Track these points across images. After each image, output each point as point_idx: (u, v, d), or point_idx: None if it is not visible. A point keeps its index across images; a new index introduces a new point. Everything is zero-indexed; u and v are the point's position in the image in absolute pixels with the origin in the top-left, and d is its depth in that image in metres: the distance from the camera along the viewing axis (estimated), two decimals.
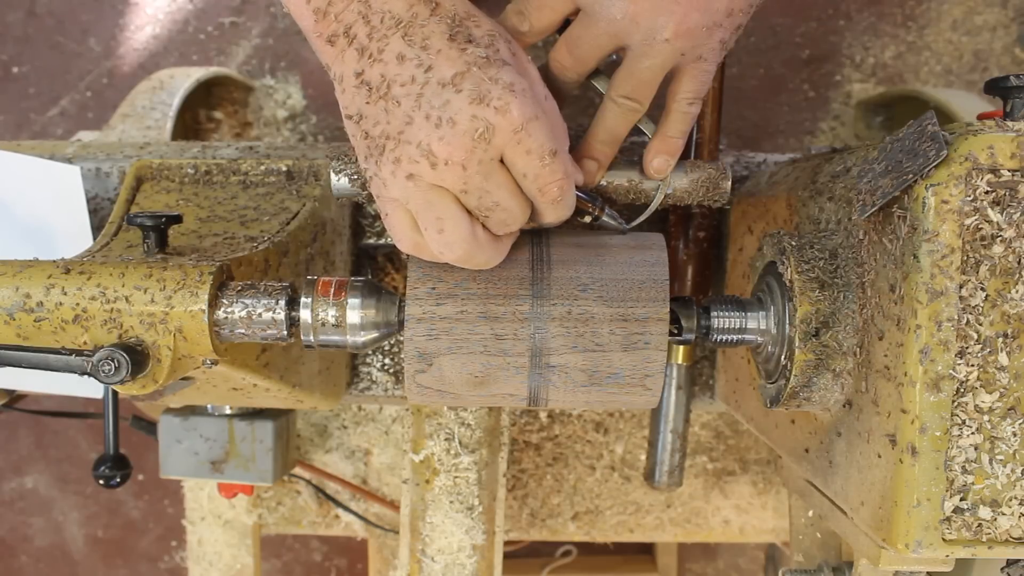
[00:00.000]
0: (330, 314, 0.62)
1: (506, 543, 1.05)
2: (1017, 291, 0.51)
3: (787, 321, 0.62)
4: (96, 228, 0.87)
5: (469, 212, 0.58)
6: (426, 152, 0.55)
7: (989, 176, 0.50)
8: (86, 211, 0.86)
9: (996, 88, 0.56)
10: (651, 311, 0.61)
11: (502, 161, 0.57)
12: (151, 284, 0.59)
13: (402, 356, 0.99)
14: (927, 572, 0.62)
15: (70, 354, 0.57)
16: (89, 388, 0.94)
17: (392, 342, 0.99)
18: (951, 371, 0.51)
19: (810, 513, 0.82)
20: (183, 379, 0.70)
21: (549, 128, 0.57)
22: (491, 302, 0.61)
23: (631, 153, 0.73)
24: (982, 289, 0.51)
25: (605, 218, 0.70)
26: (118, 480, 0.91)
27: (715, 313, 0.66)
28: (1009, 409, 0.52)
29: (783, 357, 0.63)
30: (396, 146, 0.56)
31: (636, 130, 0.70)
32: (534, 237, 0.65)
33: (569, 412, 1.27)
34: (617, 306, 0.61)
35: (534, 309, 0.61)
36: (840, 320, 0.60)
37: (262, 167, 0.85)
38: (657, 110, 0.69)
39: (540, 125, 0.56)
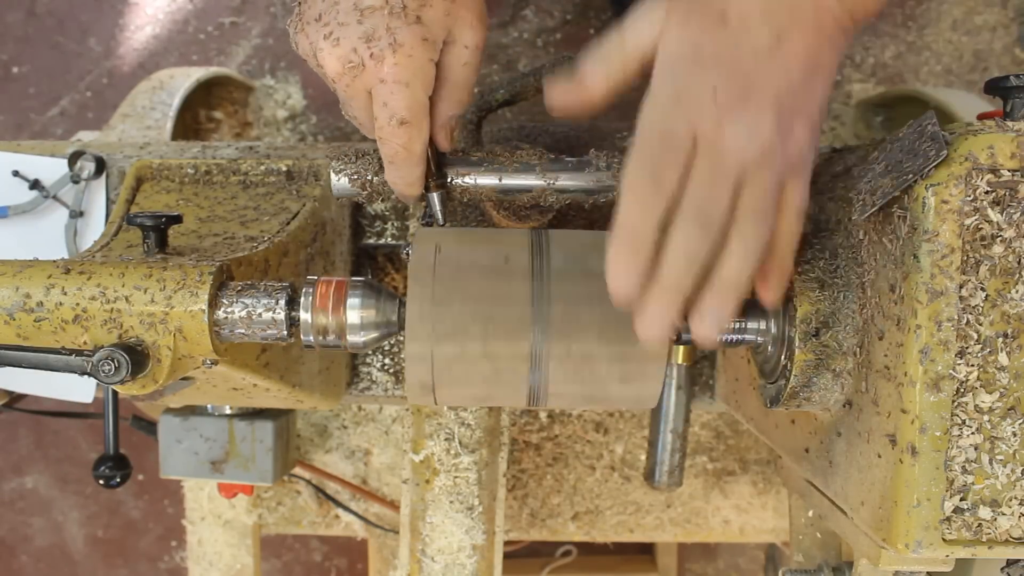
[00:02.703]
0: (330, 314, 0.62)
1: (506, 543, 1.05)
2: (1017, 291, 0.51)
3: (787, 321, 0.62)
4: None
5: None
6: (312, 52, 0.62)
7: (989, 176, 0.50)
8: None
9: (996, 88, 0.56)
10: (650, 350, 0.62)
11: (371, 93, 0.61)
12: (151, 284, 0.59)
13: (402, 360, 0.99)
14: (927, 572, 0.62)
15: (70, 354, 0.57)
16: (80, 392, 0.95)
17: (392, 342, 0.99)
18: (951, 371, 0.51)
19: (810, 513, 0.82)
20: (183, 379, 0.70)
21: (412, 99, 0.60)
22: (491, 342, 0.61)
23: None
24: (982, 289, 0.51)
25: (429, 196, 0.71)
26: (118, 480, 0.91)
27: None
28: (1009, 409, 0.52)
29: (783, 357, 0.63)
30: (300, 29, 0.62)
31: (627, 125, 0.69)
32: (534, 260, 0.64)
33: (569, 412, 1.27)
34: (617, 345, 0.61)
35: (535, 346, 0.61)
36: (840, 320, 0.60)
37: (262, 167, 0.85)
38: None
39: (403, 91, 0.60)
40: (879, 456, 0.55)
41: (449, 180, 0.72)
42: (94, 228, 0.92)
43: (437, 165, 0.70)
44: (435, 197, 0.71)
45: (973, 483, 0.52)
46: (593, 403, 0.64)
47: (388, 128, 0.62)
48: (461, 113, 0.68)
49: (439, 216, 0.72)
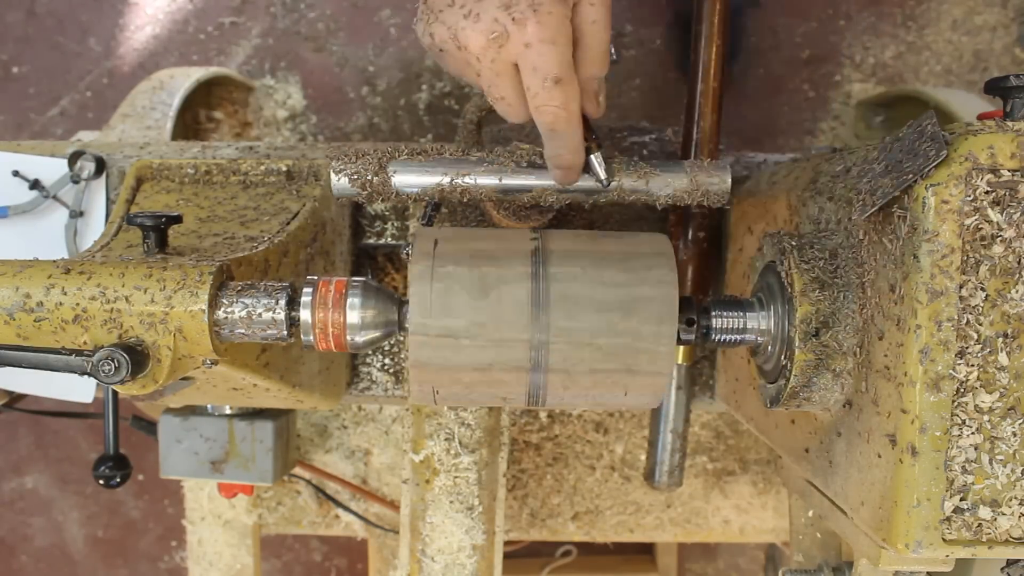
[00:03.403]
0: (330, 314, 0.62)
1: (506, 543, 1.05)
2: (1017, 291, 0.51)
3: (787, 321, 0.62)
4: None
5: None
6: (453, 35, 0.62)
7: (989, 176, 0.50)
8: None
9: (996, 88, 0.56)
10: (654, 372, 0.62)
11: (517, 66, 0.62)
12: (151, 284, 0.59)
13: (402, 360, 0.99)
14: (927, 572, 0.62)
15: (70, 354, 0.57)
16: (80, 392, 0.94)
17: (392, 342, 0.99)
18: (951, 371, 0.51)
19: (810, 513, 0.82)
20: (183, 379, 0.70)
21: (560, 56, 0.61)
22: (492, 371, 0.62)
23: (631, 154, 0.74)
24: (982, 289, 0.51)
25: (591, 158, 0.70)
26: (118, 480, 0.91)
27: (715, 313, 0.66)
28: (1009, 409, 0.52)
29: (783, 357, 0.63)
30: (434, 20, 0.63)
31: (636, 131, 0.70)
32: (533, 265, 0.64)
33: (569, 412, 1.27)
34: (620, 359, 0.62)
35: (533, 360, 0.62)
36: (840, 320, 0.60)
37: (262, 167, 0.85)
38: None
39: (551, 49, 0.60)
40: (879, 456, 0.55)
41: (600, 140, 0.72)
42: (94, 228, 0.92)
43: (589, 129, 0.71)
44: (596, 159, 0.71)
45: (973, 483, 0.52)
46: (598, 404, 0.65)
47: (543, 93, 0.62)
48: (602, 75, 0.68)
49: (602, 176, 0.72)
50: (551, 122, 0.64)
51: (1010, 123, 0.51)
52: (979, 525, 0.52)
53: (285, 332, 0.61)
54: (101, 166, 0.92)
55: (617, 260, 0.62)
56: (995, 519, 0.52)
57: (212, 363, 0.61)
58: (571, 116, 0.64)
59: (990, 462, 0.52)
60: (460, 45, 0.62)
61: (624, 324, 0.61)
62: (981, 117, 0.56)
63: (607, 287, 0.62)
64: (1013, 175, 0.50)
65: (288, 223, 0.77)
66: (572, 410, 1.26)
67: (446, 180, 0.73)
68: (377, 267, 1.00)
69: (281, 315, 0.60)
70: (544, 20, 0.60)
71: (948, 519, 0.52)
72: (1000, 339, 0.51)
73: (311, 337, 0.62)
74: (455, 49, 0.63)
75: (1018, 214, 0.50)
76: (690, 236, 0.91)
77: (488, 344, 0.61)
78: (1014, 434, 0.52)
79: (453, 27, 0.62)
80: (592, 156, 0.71)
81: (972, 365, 0.51)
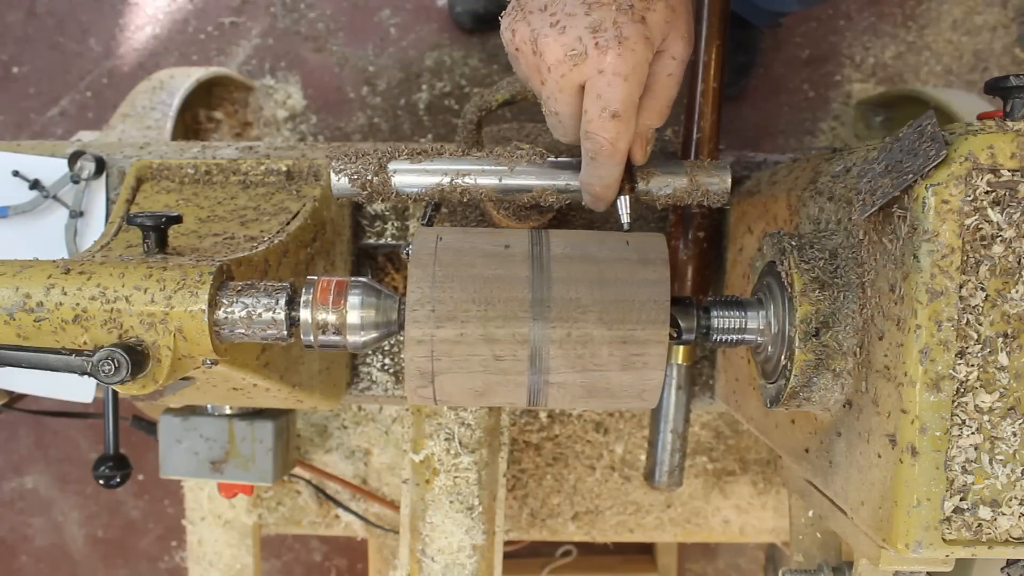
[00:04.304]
0: (330, 314, 0.61)
1: (506, 543, 1.05)
2: (1017, 291, 0.51)
3: (787, 321, 0.62)
4: None
5: None
6: (533, 39, 0.62)
7: (989, 176, 0.50)
8: None
9: (996, 88, 0.55)
10: (651, 334, 0.61)
11: (583, 88, 0.62)
12: (151, 284, 0.59)
13: (402, 360, 0.99)
14: (927, 572, 0.62)
15: (70, 354, 0.57)
16: (80, 392, 0.94)
17: (392, 342, 0.99)
18: (951, 371, 0.51)
19: (810, 513, 0.82)
20: (183, 379, 0.70)
21: (628, 93, 0.60)
22: (491, 324, 0.61)
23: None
24: (982, 289, 0.51)
25: (620, 198, 0.71)
26: (118, 480, 0.91)
27: (715, 313, 0.65)
28: (1009, 409, 0.52)
29: (783, 357, 0.63)
30: (521, 18, 0.63)
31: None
32: (534, 248, 0.65)
33: (569, 412, 1.27)
34: (617, 328, 0.61)
35: (534, 331, 0.61)
36: (840, 320, 0.60)
37: (262, 167, 0.85)
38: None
39: (621, 84, 0.60)
40: (879, 456, 0.55)
41: (636, 185, 0.72)
42: (94, 228, 0.92)
43: (628, 171, 0.71)
44: (624, 202, 0.72)
45: (973, 483, 0.52)
46: (594, 396, 0.63)
47: (598, 121, 0.62)
48: (659, 126, 0.68)
49: (625, 220, 0.72)
50: (597, 150, 0.64)
51: (1010, 123, 0.51)
52: (979, 525, 0.52)
53: (285, 332, 0.61)
54: (101, 166, 0.92)
55: (616, 313, 0.62)
56: (995, 519, 0.52)
57: (212, 363, 0.61)
58: (617, 152, 0.64)
59: (990, 462, 0.52)
60: (537, 51, 0.62)
61: (621, 324, 0.62)
62: (981, 117, 0.56)
63: (605, 287, 0.62)
64: (1013, 175, 0.50)
65: (288, 223, 0.77)
66: (572, 410, 1.26)
67: (446, 180, 0.73)
68: (377, 267, 1.00)
69: (281, 315, 0.60)
70: (626, 55, 0.59)
71: (948, 519, 0.52)
72: (1000, 339, 0.51)
73: (311, 337, 0.62)
74: (530, 53, 0.62)
75: (1018, 214, 0.50)
76: (690, 236, 0.91)
77: (487, 327, 0.61)
78: (1014, 434, 0.52)
79: (536, 31, 0.61)
80: (621, 197, 0.72)
81: (972, 365, 0.51)
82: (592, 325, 0.61)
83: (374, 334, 0.63)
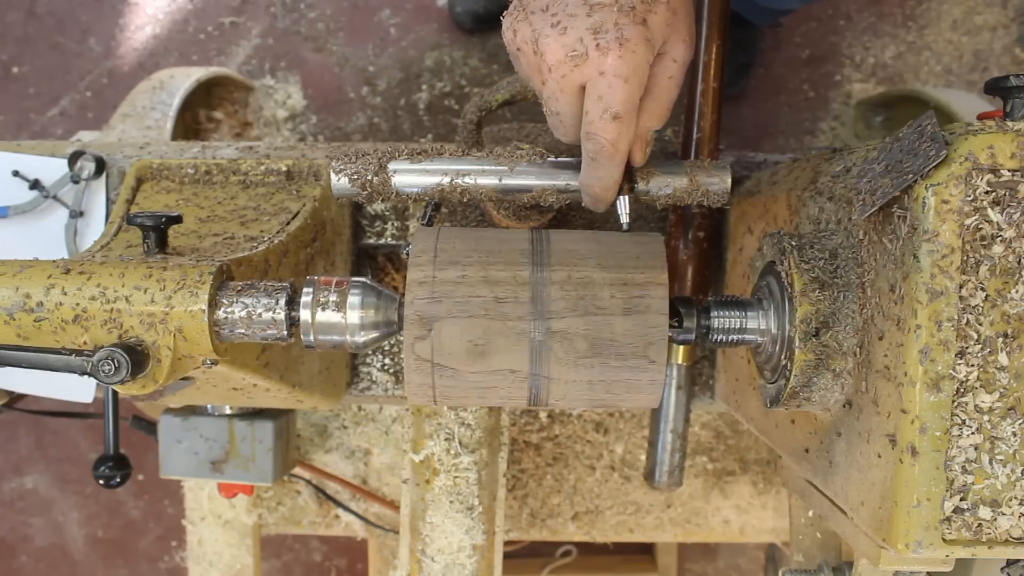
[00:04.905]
0: (330, 314, 0.62)
1: (506, 543, 1.05)
2: (1017, 291, 0.51)
3: (787, 321, 0.62)
4: None
5: None
6: (534, 39, 0.62)
7: (989, 176, 0.50)
8: None
9: (996, 88, 0.55)
10: (650, 276, 0.62)
11: (583, 89, 0.62)
12: (151, 284, 0.59)
13: (402, 361, 0.99)
14: (927, 572, 0.62)
15: (70, 354, 0.57)
16: (80, 392, 0.94)
17: (392, 342, 0.99)
18: (951, 371, 0.51)
19: (810, 513, 0.82)
20: (183, 379, 0.70)
21: (628, 95, 0.60)
22: (492, 268, 0.62)
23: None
24: (982, 289, 0.51)
25: (620, 199, 0.71)
26: (118, 480, 0.91)
27: (715, 313, 0.66)
28: (1009, 409, 0.52)
29: (783, 357, 0.63)
30: (523, 18, 0.63)
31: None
32: (533, 265, 0.65)
33: (569, 412, 1.27)
34: (616, 271, 0.62)
35: (535, 274, 0.62)
36: (840, 320, 0.60)
37: (262, 167, 0.85)
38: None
39: (622, 85, 0.60)
40: (879, 456, 0.55)
41: (636, 186, 0.72)
42: (94, 228, 0.92)
43: (628, 172, 0.71)
44: (624, 202, 0.72)
45: (973, 483, 0.52)
46: (599, 354, 0.62)
47: (599, 122, 0.62)
48: (660, 128, 0.68)
49: (624, 220, 0.72)
50: (597, 151, 0.64)
51: (1010, 123, 0.51)
52: (979, 525, 0.52)
53: (285, 332, 0.61)
54: (101, 166, 0.92)
55: (614, 260, 0.63)
56: (995, 519, 0.52)
57: (212, 363, 0.61)
58: (617, 153, 0.64)
59: (990, 462, 0.52)
60: (538, 51, 0.62)
61: (620, 268, 0.62)
62: (981, 117, 0.56)
63: (602, 245, 0.63)
64: (1013, 175, 0.50)
65: (288, 223, 0.77)
66: (572, 410, 1.26)
67: (446, 180, 0.73)
68: (377, 267, 1.00)
69: (281, 315, 0.60)
70: (626, 56, 0.59)
71: (948, 519, 0.52)
72: (1000, 339, 0.51)
73: (311, 337, 0.62)
74: (531, 53, 0.62)
75: (1018, 214, 0.50)
76: (690, 236, 0.91)
77: (488, 307, 0.61)
78: (1014, 434, 0.52)
79: (538, 31, 0.61)
80: (621, 197, 0.72)
81: (972, 365, 0.51)
82: (592, 269, 0.62)
83: (374, 334, 0.63)
